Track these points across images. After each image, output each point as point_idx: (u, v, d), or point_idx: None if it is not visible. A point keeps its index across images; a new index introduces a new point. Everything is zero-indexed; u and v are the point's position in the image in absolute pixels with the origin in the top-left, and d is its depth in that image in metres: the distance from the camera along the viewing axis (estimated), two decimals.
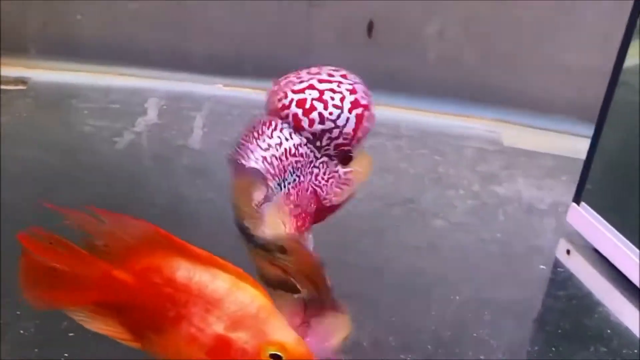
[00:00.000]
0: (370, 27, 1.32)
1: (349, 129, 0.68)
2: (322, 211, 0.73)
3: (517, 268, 0.98)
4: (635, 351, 0.84)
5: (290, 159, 0.69)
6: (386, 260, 0.97)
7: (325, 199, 0.71)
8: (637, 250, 0.91)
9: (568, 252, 1.01)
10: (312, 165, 0.70)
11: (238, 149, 0.69)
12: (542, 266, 0.98)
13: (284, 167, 0.69)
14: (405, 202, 1.10)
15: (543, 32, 1.35)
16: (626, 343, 0.86)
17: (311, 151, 0.69)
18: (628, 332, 0.88)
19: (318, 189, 0.71)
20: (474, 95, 1.39)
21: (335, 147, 0.69)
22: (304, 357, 0.59)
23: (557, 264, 0.99)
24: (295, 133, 0.69)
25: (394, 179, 1.16)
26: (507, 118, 1.37)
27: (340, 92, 0.68)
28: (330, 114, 0.67)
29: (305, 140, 0.69)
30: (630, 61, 0.93)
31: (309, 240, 0.73)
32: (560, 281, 0.96)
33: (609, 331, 0.87)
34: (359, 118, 0.68)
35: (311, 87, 0.68)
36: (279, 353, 0.58)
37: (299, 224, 0.71)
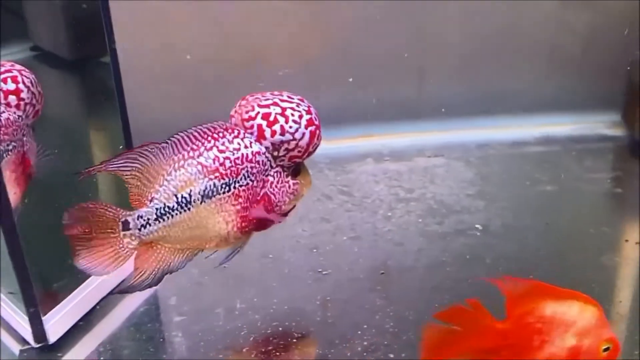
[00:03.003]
0: None
1: (303, 142, 0.78)
2: (267, 220, 0.82)
3: None
4: None
5: (246, 164, 0.78)
6: None
7: (277, 205, 0.81)
8: None
9: None
10: (267, 173, 0.80)
11: (189, 141, 0.76)
12: None
13: (237, 170, 0.78)
14: None
15: None
16: None
17: (268, 160, 0.79)
18: None
19: (272, 196, 0.80)
20: None
21: (290, 158, 0.80)
22: (615, 342, 0.81)
23: None
24: (255, 142, 0.79)
25: None
26: None
27: (299, 111, 0.78)
28: (290, 127, 0.78)
29: (264, 150, 0.79)
30: None
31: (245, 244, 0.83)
32: None
33: None
34: (312, 134, 0.79)
35: (275, 104, 0.78)
36: (609, 345, 0.81)
37: (243, 224, 0.80)
